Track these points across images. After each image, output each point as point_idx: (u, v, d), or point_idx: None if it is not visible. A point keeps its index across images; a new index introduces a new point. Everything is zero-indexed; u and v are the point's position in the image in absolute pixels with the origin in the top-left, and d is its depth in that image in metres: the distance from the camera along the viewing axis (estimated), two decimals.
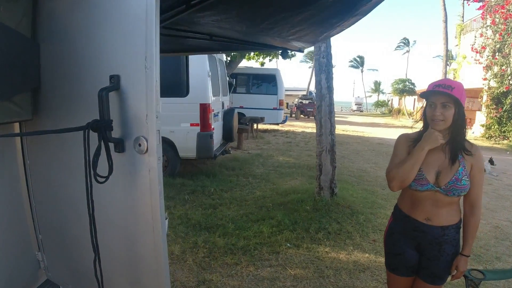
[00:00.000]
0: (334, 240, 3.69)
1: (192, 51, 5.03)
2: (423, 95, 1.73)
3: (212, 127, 5.96)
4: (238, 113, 12.31)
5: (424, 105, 1.77)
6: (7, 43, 1.10)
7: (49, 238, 1.49)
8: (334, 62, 5.22)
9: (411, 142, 1.77)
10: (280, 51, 4.10)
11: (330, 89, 4.88)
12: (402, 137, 1.85)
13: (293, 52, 11.79)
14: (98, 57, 1.09)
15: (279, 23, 2.28)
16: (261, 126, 13.98)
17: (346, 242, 3.67)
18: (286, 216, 4.27)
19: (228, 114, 7.17)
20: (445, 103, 1.60)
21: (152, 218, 1.02)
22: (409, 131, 1.89)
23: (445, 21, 18.20)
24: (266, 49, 6.04)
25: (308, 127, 16.97)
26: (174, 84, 5.83)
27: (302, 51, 4.14)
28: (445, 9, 18.29)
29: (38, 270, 1.53)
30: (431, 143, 1.64)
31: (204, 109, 5.72)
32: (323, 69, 4.89)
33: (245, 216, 4.36)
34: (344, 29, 2.44)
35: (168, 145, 5.93)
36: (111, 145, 1.05)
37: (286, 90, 23.78)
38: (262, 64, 14.75)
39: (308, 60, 48.86)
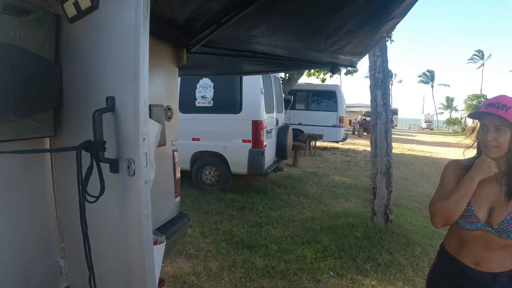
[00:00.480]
0: (383, 273, 3.34)
1: (245, 73, 5.12)
2: (472, 116, 1.48)
3: (264, 144, 5.94)
4: (297, 129, 12.24)
5: (478, 127, 1.51)
6: (29, 66, 1.18)
7: (71, 247, 1.55)
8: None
9: (461, 170, 1.52)
10: (330, 67, 3.96)
11: (386, 106, 4.55)
12: (452, 163, 1.60)
13: (354, 69, 11.43)
14: (102, 78, 1.11)
15: (312, 33, 2.20)
16: (320, 144, 13.65)
17: (397, 276, 3.29)
18: (333, 241, 4.01)
19: (282, 131, 7.10)
20: (498, 126, 1.35)
21: (139, 241, 0.99)
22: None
23: None
24: (315, 66, 5.93)
25: None
26: (228, 101, 5.97)
27: (354, 66, 3.95)
28: None
29: (60, 276, 1.60)
30: (482, 172, 1.38)
31: (256, 126, 5.74)
32: (379, 85, 4.59)
33: (290, 238, 4.20)
34: (385, 35, 2.28)
35: (220, 160, 6.05)
36: (107, 165, 1.05)
37: (349, 107, 22.99)
38: (323, 80, 14.54)
39: None
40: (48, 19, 1.24)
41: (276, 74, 7.51)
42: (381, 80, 4.60)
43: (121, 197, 1.07)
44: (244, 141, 5.83)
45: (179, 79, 6.26)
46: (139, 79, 0.95)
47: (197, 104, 6.18)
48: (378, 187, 4.51)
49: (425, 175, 8.98)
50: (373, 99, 4.64)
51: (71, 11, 1.18)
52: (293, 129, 12.25)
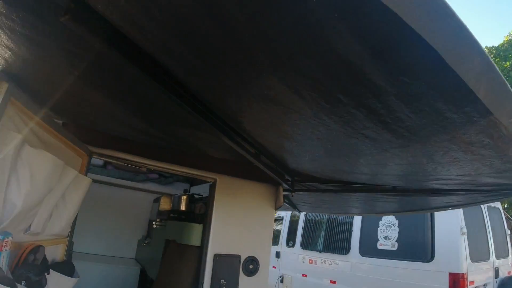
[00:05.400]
0: None
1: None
2: None
3: None
4: None
5: None
6: None
7: None
8: None
9: None
10: None
11: None
12: None
13: None
14: None
15: None
16: None
17: None
18: None
19: (506, 287, 4.83)
20: None
21: None
22: None
23: None
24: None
25: None
26: (415, 244, 4.80)
27: None
28: None
29: None
30: None
31: (455, 280, 4.18)
32: None
33: None
34: None
35: None
36: None
37: None
38: None
39: None
40: None
41: (494, 205, 5.60)
42: None
43: None
44: None
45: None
46: None
47: (379, 247, 5.26)
48: None
49: None
50: None
51: None
52: None
